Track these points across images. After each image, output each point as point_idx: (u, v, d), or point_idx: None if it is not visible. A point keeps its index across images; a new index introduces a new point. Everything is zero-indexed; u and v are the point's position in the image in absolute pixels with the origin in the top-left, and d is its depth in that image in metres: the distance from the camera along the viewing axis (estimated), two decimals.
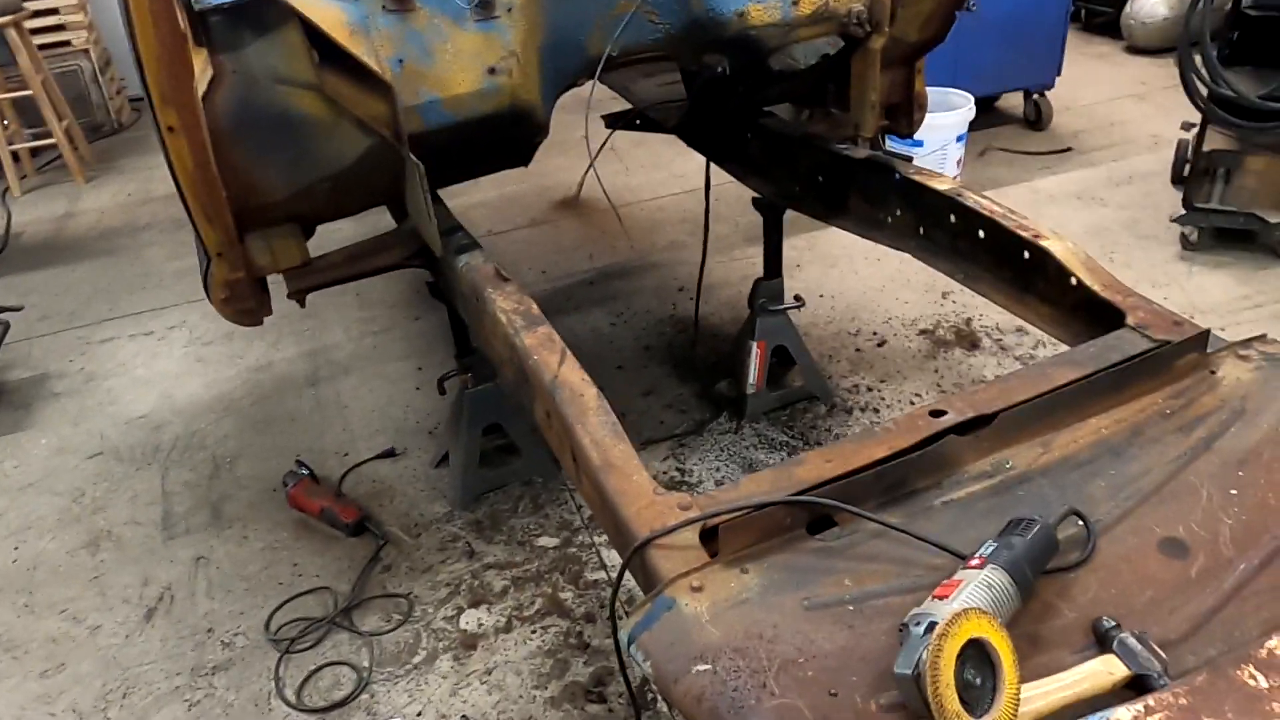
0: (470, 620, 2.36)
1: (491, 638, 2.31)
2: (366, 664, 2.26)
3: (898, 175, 2.21)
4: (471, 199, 4.74)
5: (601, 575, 2.46)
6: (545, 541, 2.59)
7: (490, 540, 2.61)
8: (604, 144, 2.38)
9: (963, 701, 0.97)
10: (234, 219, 1.95)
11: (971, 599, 1.07)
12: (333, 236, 2.34)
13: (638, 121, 3.13)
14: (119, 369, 3.63)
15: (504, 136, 2.12)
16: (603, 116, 2.53)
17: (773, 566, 1.25)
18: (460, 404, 2.70)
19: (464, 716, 2.10)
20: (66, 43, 6.14)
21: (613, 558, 2.51)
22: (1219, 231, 3.73)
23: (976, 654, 1.00)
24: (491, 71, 1.95)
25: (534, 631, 2.32)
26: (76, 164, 5.53)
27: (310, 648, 2.33)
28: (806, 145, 2.55)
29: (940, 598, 1.09)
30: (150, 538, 2.74)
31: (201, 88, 1.75)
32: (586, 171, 2.36)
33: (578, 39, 2.10)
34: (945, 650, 0.96)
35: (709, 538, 1.29)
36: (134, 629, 2.43)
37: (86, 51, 6.18)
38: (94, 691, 2.27)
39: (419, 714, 2.12)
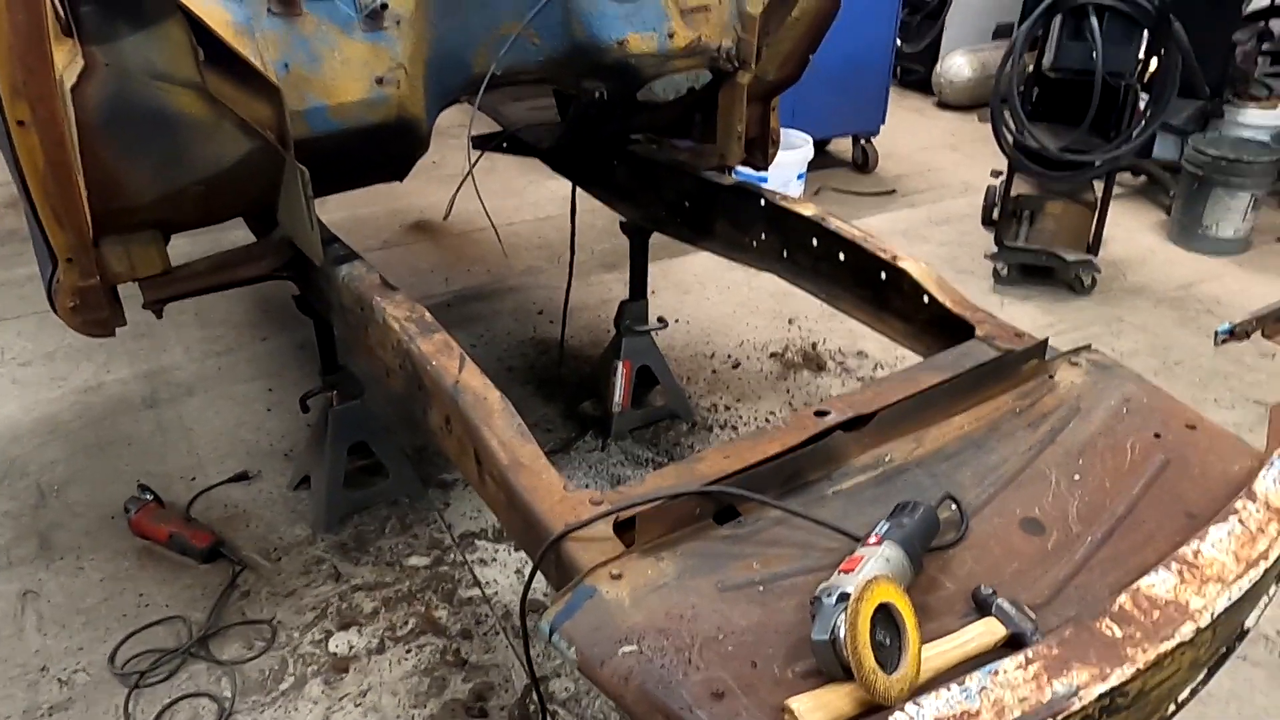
0: (340, 643, 2.29)
1: (364, 659, 2.24)
2: (229, 694, 2.15)
3: (764, 201, 2.36)
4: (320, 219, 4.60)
5: (475, 593, 2.45)
6: (416, 561, 2.55)
7: (357, 562, 2.54)
8: (474, 163, 2.40)
9: (875, 660, 1.06)
10: (91, 222, 1.84)
11: (876, 570, 1.17)
12: None
13: (504, 145, 3.17)
14: None
15: (387, 149, 2.11)
16: (472, 138, 2.56)
17: (686, 554, 1.32)
18: (325, 422, 2.62)
19: None
20: None
21: (486, 575, 2.50)
22: (1025, 267, 4.16)
23: (884, 618, 1.10)
24: (380, 82, 1.95)
25: (409, 651, 2.27)
26: None
27: (163, 680, 2.18)
28: (675, 172, 2.67)
29: (846, 572, 1.19)
30: None
31: (70, 80, 1.66)
32: (458, 190, 2.40)
33: (463, 56, 2.13)
34: (862, 612, 1.06)
35: (622, 531, 1.34)
36: None
37: None
38: None
39: None
